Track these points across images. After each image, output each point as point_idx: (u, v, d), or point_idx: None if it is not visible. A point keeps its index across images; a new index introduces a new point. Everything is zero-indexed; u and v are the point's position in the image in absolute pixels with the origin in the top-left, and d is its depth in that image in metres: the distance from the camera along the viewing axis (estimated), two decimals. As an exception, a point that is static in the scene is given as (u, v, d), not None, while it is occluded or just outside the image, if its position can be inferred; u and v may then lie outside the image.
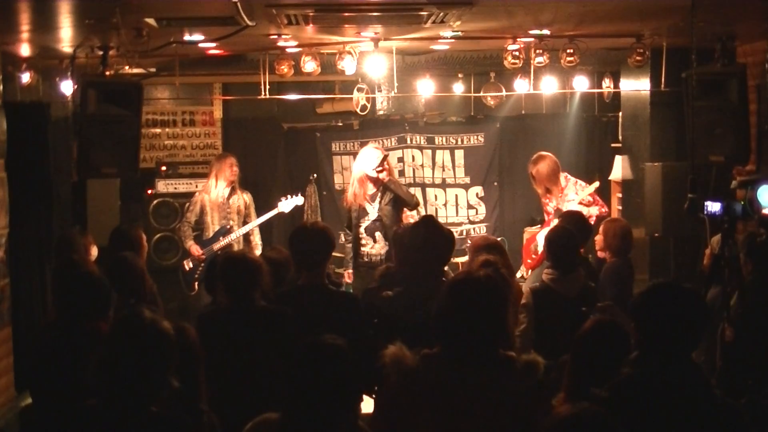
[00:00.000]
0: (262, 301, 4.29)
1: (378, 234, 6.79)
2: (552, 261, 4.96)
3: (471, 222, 8.95)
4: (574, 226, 5.40)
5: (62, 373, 3.75)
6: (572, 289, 4.86)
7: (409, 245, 4.51)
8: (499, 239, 6.81)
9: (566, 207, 6.99)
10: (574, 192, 7.22)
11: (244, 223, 7.81)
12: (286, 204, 7.78)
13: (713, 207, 4.52)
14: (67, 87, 7.26)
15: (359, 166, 6.90)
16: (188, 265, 7.81)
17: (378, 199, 6.83)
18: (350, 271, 6.98)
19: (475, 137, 9.13)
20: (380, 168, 6.74)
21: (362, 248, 6.86)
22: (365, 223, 6.86)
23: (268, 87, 7.38)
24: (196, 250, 7.68)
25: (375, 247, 6.84)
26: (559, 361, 3.57)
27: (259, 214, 7.93)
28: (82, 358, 3.54)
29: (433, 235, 4.48)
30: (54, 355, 3.89)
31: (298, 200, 7.86)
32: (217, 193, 7.75)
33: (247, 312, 4.20)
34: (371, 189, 6.84)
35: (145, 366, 2.74)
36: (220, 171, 7.77)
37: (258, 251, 7.42)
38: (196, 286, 7.66)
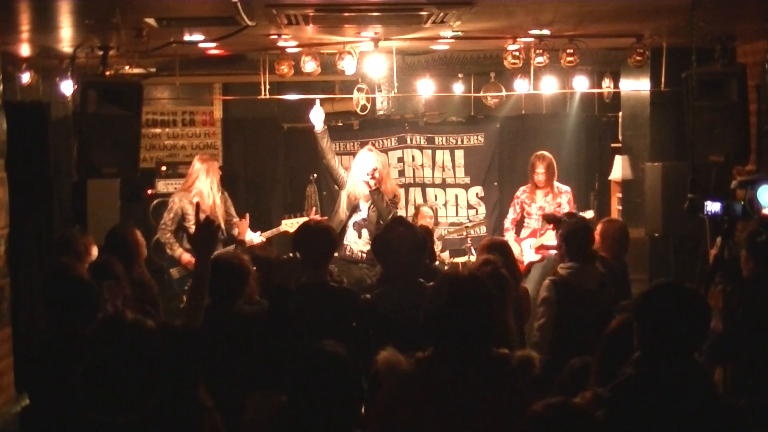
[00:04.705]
0: (244, 305, 4.31)
1: (364, 231, 6.89)
2: (570, 254, 5.00)
3: (471, 222, 8.95)
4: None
5: (53, 379, 3.74)
6: (591, 280, 4.91)
7: (388, 247, 4.53)
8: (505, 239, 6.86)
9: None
10: (567, 207, 7.47)
11: (226, 222, 7.36)
12: (292, 224, 7.43)
13: (713, 207, 4.51)
14: (67, 87, 7.26)
15: (354, 168, 7.02)
16: (176, 273, 7.30)
17: (369, 202, 6.92)
18: None
19: (475, 137, 9.13)
20: (370, 176, 6.82)
21: (345, 240, 6.91)
22: (355, 218, 6.95)
23: (268, 87, 7.38)
24: (187, 258, 7.05)
25: (358, 243, 6.91)
26: (569, 364, 3.56)
27: (258, 214, 7.87)
28: (71, 363, 3.55)
29: (410, 236, 4.49)
30: (44, 361, 3.87)
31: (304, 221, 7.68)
32: (210, 195, 7.21)
33: (224, 315, 4.23)
34: (366, 190, 6.90)
35: (131, 368, 2.71)
36: (215, 173, 7.30)
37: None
38: (184, 299, 7.30)
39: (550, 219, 6.00)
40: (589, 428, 2.40)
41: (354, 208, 6.96)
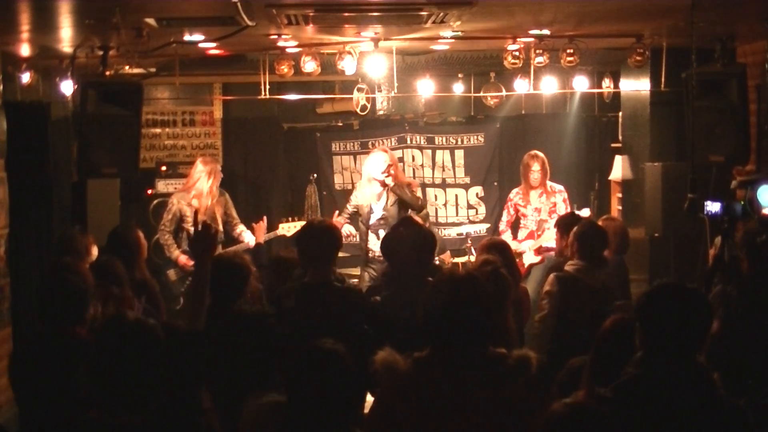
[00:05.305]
0: (245, 305, 4.30)
1: (381, 231, 6.88)
2: (580, 252, 5.03)
3: (471, 222, 8.96)
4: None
5: (42, 380, 3.75)
6: (596, 280, 4.95)
7: (391, 248, 4.54)
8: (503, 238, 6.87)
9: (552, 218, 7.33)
10: (563, 206, 7.57)
11: (226, 223, 7.35)
12: (289, 228, 7.37)
13: (713, 207, 4.52)
14: (67, 87, 7.25)
15: (367, 170, 7.05)
16: (174, 275, 7.29)
17: (384, 199, 6.97)
18: None
19: (475, 137, 9.14)
20: (386, 173, 6.87)
21: (368, 244, 7.00)
22: (371, 221, 7.00)
23: (268, 87, 7.38)
24: (184, 260, 7.10)
25: (378, 244, 6.92)
26: (568, 364, 3.57)
27: (258, 214, 7.81)
28: (60, 363, 3.55)
29: (413, 236, 4.49)
30: (33, 361, 3.87)
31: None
32: (209, 198, 7.17)
33: (224, 315, 4.21)
34: (378, 189, 6.97)
35: (134, 367, 2.71)
36: (216, 176, 7.24)
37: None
38: (181, 301, 7.14)
39: (564, 223, 5.90)
40: (607, 429, 2.42)
41: (369, 213, 7.02)
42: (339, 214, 7.25)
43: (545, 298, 5.00)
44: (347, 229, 7.09)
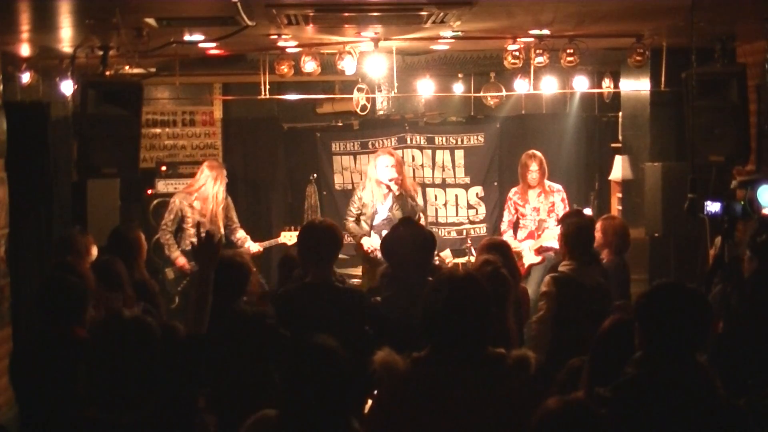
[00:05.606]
0: (245, 305, 4.30)
1: (384, 232, 6.89)
2: (571, 253, 5.04)
3: (471, 222, 8.96)
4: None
5: (41, 380, 3.76)
6: (591, 279, 4.96)
7: (392, 249, 4.54)
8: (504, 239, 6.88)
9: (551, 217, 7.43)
10: (561, 205, 7.56)
11: (226, 227, 7.42)
12: (291, 237, 7.35)
13: (713, 207, 4.51)
14: (67, 87, 7.25)
15: (374, 173, 7.09)
16: (171, 274, 7.35)
17: (390, 201, 7.01)
18: None
19: (475, 137, 9.14)
20: (394, 181, 6.93)
21: (372, 245, 6.99)
22: (376, 221, 7.04)
23: (268, 87, 7.38)
24: (182, 262, 7.20)
25: None
26: (568, 364, 3.57)
27: (258, 214, 7.85)
28: (60, 363, 3.56)
29: (413, 237, 4.49)
30: (33, 361, 3.88)
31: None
32: (214, 203, 7.24)
33: (224, 314, 4.21)
34: (384, 190, 7.02)
35: (132, 363, 2.72)
36: (222, 181, 7.29)
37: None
38: (177, 300, 7.23)
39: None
40: (600, 426, 2.42)
41: (373, 213, 7.06)
42: (348, 220, 7.22)
43: (542, 299, 4.99)
44: (369, 243, 7.01)
